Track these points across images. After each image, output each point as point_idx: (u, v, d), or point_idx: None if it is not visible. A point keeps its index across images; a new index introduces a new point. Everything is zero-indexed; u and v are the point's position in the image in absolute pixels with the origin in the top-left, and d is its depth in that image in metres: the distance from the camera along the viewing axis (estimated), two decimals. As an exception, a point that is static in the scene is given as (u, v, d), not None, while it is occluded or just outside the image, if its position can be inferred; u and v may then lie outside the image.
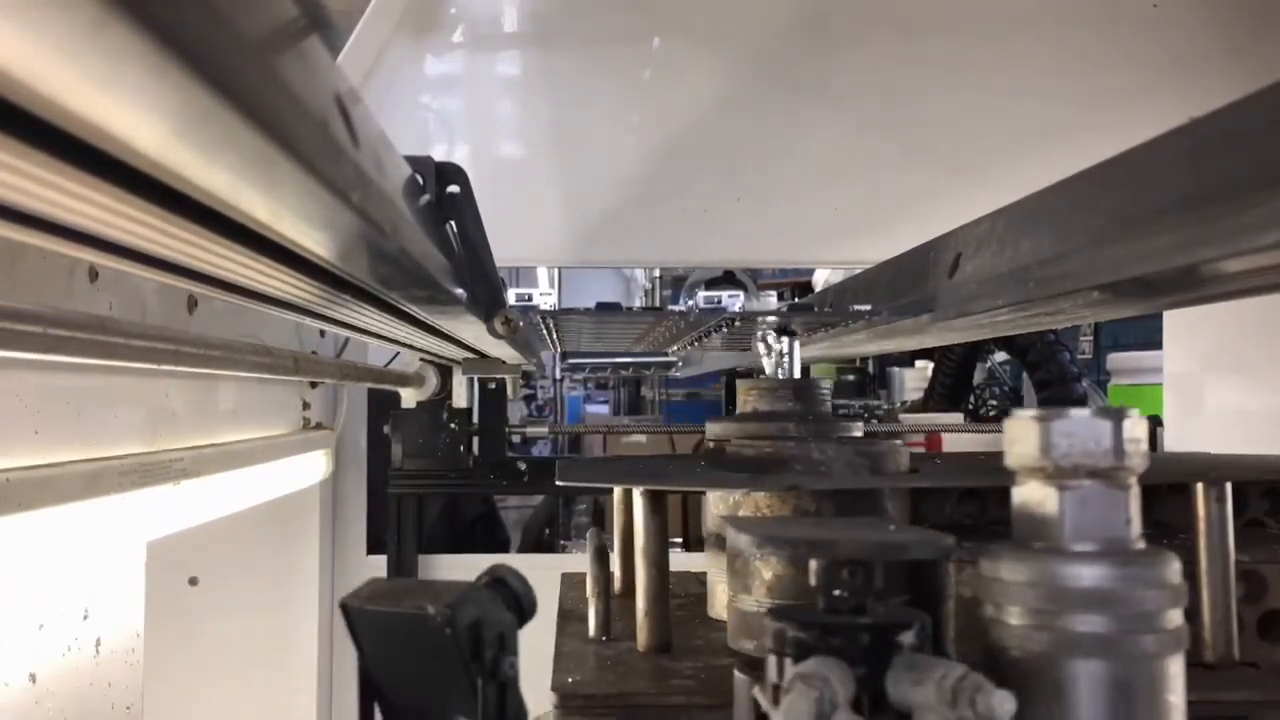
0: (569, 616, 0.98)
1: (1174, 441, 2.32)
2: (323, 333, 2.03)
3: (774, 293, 4.74)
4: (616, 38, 2.21)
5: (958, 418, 3.14)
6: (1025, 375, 3.36)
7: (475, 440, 2.32)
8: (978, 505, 0.90)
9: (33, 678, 0.95)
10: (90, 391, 1.06)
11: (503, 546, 3.45)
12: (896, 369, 4.26)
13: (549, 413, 6.53)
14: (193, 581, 2.02)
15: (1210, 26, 2.09)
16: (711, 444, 0.97)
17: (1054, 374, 3.11)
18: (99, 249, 0.45)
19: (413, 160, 0.87)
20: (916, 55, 2.17)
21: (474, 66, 2.24)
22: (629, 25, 2.21)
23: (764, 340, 1.10)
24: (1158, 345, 2.51)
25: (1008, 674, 0.56)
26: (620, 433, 3.65)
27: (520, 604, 0.74)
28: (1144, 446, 0.56)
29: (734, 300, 1.64)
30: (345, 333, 1.32)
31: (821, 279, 3.55)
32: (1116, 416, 0.56)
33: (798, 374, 1.09)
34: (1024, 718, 0.53)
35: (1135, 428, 0.56)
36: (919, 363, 4.03)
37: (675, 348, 2.03)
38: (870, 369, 4.22)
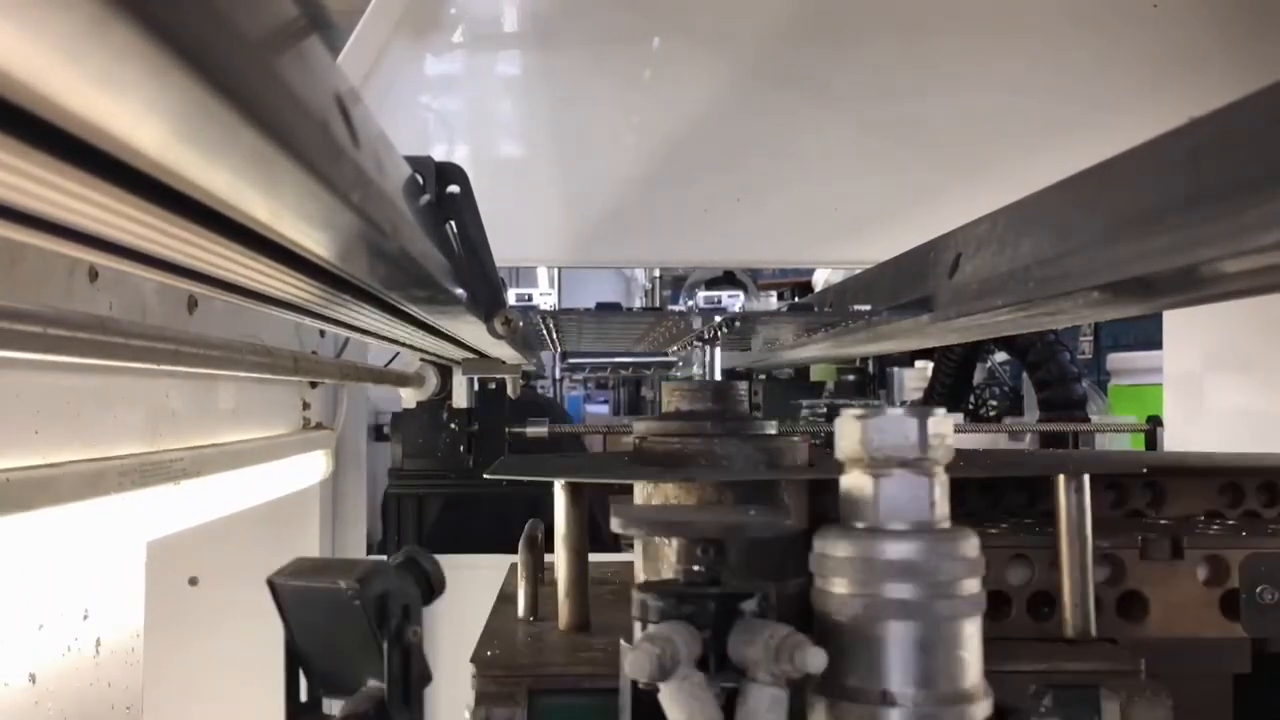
0: (506, 599, 1.04)
1: (1174, 441, 2.32)
2: (323, 333, 2.03)
3: (774, 293, 4.74)
4: (616, 38, 2.21)
5: (958, 418, 3.14)
6: (1025, 375, 3.36)
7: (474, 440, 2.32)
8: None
9: (33, 678, 0.95)
10: (90, 391, 1.06)
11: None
12: (896, 369, 4.25)
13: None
14: (193, 582, 2.02)
15: (1210, 26, 2.09)
16: (636, 441, 1.03)
17: (1054, 374, 3.11)
18: (99, 249, 0.45)
19: (413, 160, 0.87)
20: (917, 55, 2.17)
21: (474, 66, 2.25)
22: (629, 25, 2.21)
23: (692, 346, 1.16)
24: (1158, 345, 2.51)
25: (831, 635, 0.65)
26: (620, 433, 3.64)
27: (430, 581, 0.84)
28: (949, 441, 0.66)
29: (734, 300, 1.65)
30: (345, 333, 1.32)
31: (821, 279, 3.55)
32: (923, 416, 0.65)
33: (718, 376, 1.16)
34: (843, 671, 0.64)
35: (940, 425, 0.65)
36: (919, 363, 4.02)
37: (675, 348, 2.03)
38: (870, 369, 4.22)
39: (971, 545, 0.66)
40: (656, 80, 2.22)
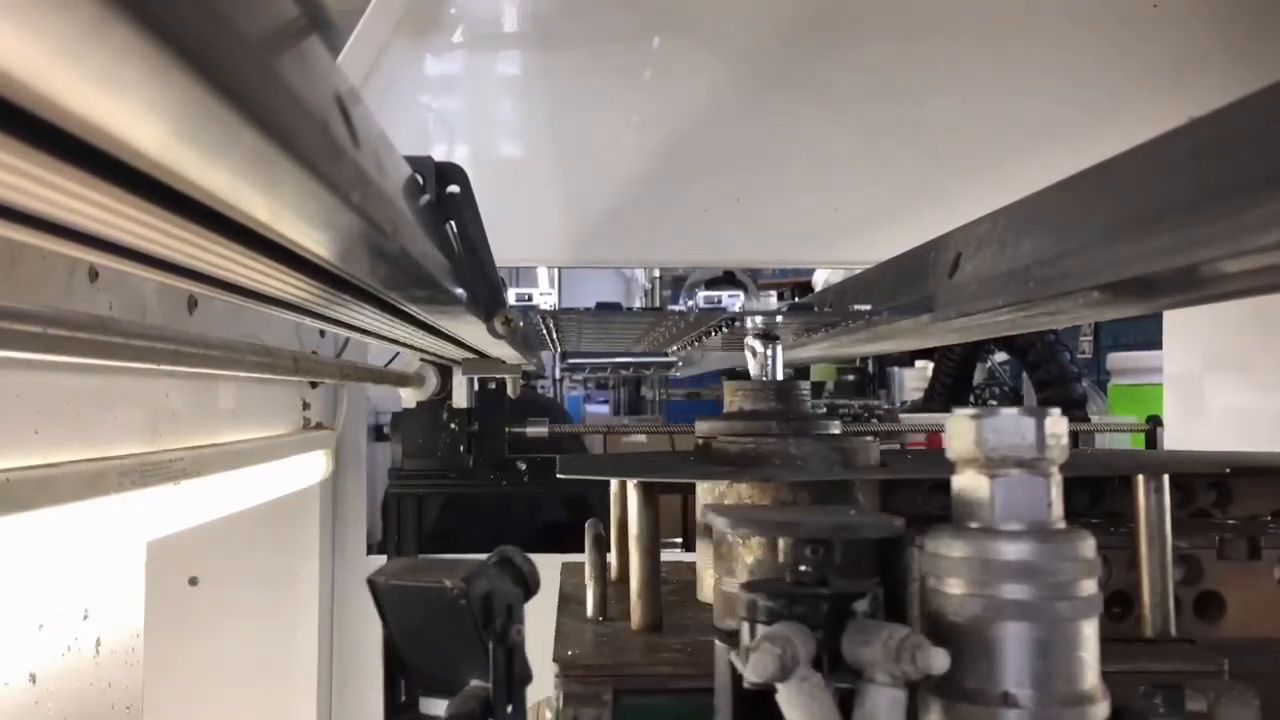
0: (569, 600, 1.05)
1: (1175, 441, 2.32)
2: (323, 333, 2.03)
3: (774, 293, 4.74)
4: (616, 38, 2.21)
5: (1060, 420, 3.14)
6: (1025, 375, 3.36)
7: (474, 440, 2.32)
8: (947, 496, 0.94)
9: (33, 678, 0.95)
10: (90, 391, 1.06)
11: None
12: (896, 369, 4.26)
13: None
14: (193, 582, 2.02)
15: (1210, 26, 2.09)
16: (700, 441, 1.04)
17: (1054, 374, 3.11)
18: (99, 249, 0.45)
19: (413, 160, 0.87)
20: (916, 55, 2.17)
21: (474, 66, 2.25)
22: (629, 25, 2.21)
23: (750, 345, 1.18)
24: (1158, 345, 2.51)
25: (946, 636, 0.65)
26: (620, 433, 3.65)
27: (525, 580, 0.84)
28: (1064, 441, 0.66)
29: (734, 300, 1.65)
30: (345, 333, 1.32)
31: (821, 279, 3.55)
32: (1039, 415, 0.65)
33: (780, 376, 1.16)
34: (961, 673, 0.63)
35: (1055, 425, 0.65)
36: (919, 363, 4.03)
37: (675, 348, 2.03)
38: (870, 369, 4.22)
39: (1089, 546, 0.66)
40: (656, 80, 2.22)
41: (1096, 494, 1.09)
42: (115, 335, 0.90)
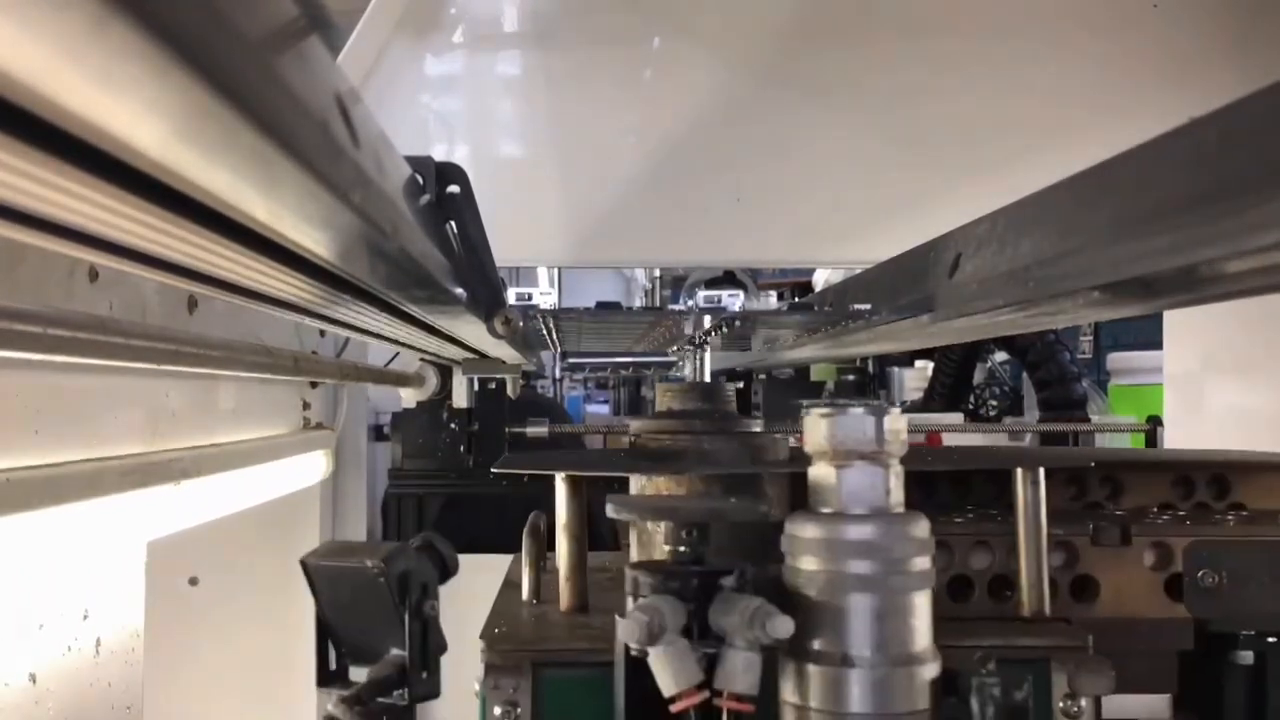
0: (510, 584, 1.13)
1: (1174, 441, 2.32)
2: (323, 333, 2.03)
3: (774, 293, 4.74)
4: (616, 38, 2.21)
5: (958, 418, 3.14)
6: (1025, 375, 3.36)
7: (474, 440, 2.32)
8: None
9: (33, 678, 0.95)
10: (90, 391, 1.06)
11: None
12: (896, 369, 4.25)
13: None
14: (193, 581, 2.02)
15: (1210, 27, 2.09)
16: (632, 438, 1.11)
17: (1054, 374, 3.11)
18: (99, 249, 0.45)
19: (413, 160, 0.87)
20: (917, 55, 2.17)
21: (474, 66, 2.24)
22: (629, 25, 2.21)
23: (683, 349, 1.29)
24: (1158, 345, 2.51)
25: (800, 607, 0.73)
26: (620, 433, 3.64)
27: (445, 562, 0.95)
28: (903, 436, 0.74)
29: (734, 300, 1.65)
30: (345, 333, 1.32)
31: (821, 279, 3.55)
32: (879, 414, 0.74)
33: (707, 378, 1.27)
34: (810, 638, 0.73)
35: (895, 422, 0.74)
36: (919, 363, 4.02)
37: (675, 347, 2.03)
38: (870, 369, 4.22)
39: (922, 527, 0.75)
40: (656, 80, 2.22)
41: (1001, 487, 1.15)
42: (115, 335, 0.90)
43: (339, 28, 2.15)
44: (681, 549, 0.78)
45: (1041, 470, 0.98)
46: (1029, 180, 0.85)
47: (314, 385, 2.02)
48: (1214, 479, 1.22)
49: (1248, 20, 2.09)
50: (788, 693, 0.75)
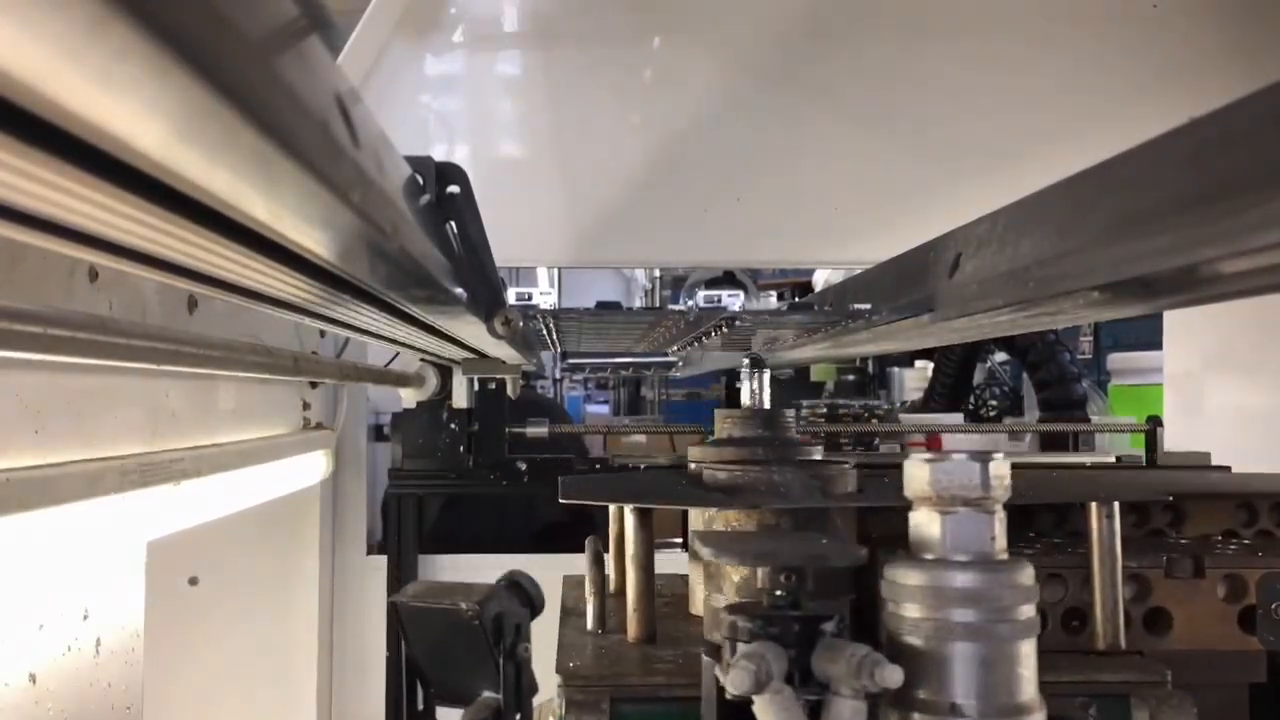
0: (570, 612, 1.11)
1: (1174, 441, 2.32)
2: (323, 333, 2.03)
3: (774, 293, 4.73)
4: (616, 38, 2.21)
5: (958, 418, 3.14)
6: (1025, 375, 3.35)
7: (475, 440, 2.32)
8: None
9: (33, 678, 0.95)
10: (90, 391, 1.06)
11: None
12: (896, 369, 4.26)
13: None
14: (193, 581, 2.02)
15: (1210, 26, 2.09)
16: (693, 466, 1.11)
17: (1054, 374, 3.11)
18: (99, 249, 0.45)
19: (413, 160, 0.87)
20: (916, 55, 2.17)
21: (474, 66, 2.24)
22: (629, 25, 2.21)
23: (742, 371, 1.27)
24: (1158, 345, 2.51)
25: (903, 654, 0.73)
26: (620, 433, 3.65)
27: (532, 601, 0.97)
28: (1007, 481, 0.74)
29: (734, 300, 1.65)
30: (345, 333, 1.32)
31: (821, 279, 3.55)
32: (984, 460, 0.73)
33: (767, 404, 1.25)
34: (914, 687, 0.72)
35: (999, 469, 0.74)
36: (919, 363, 4.02)
37: (675, 348, 2.03)
38: (870, 369, 4.22)
39: (1028, 575, 0.74)
40: (656, 80, 2.22)
41: (1061, 515, 1.16)
42: (115, 335, 0.90)
43: (339, 28, 2.15)
44: (779, 593, 0.78)
45: (1116, 505, 0.98)
46: (1029, 180, 0.85)
47: (314, 385, 2.02)
48: (1276, 506, 1.22)
49: (1248, 20, 2.09)
50: None
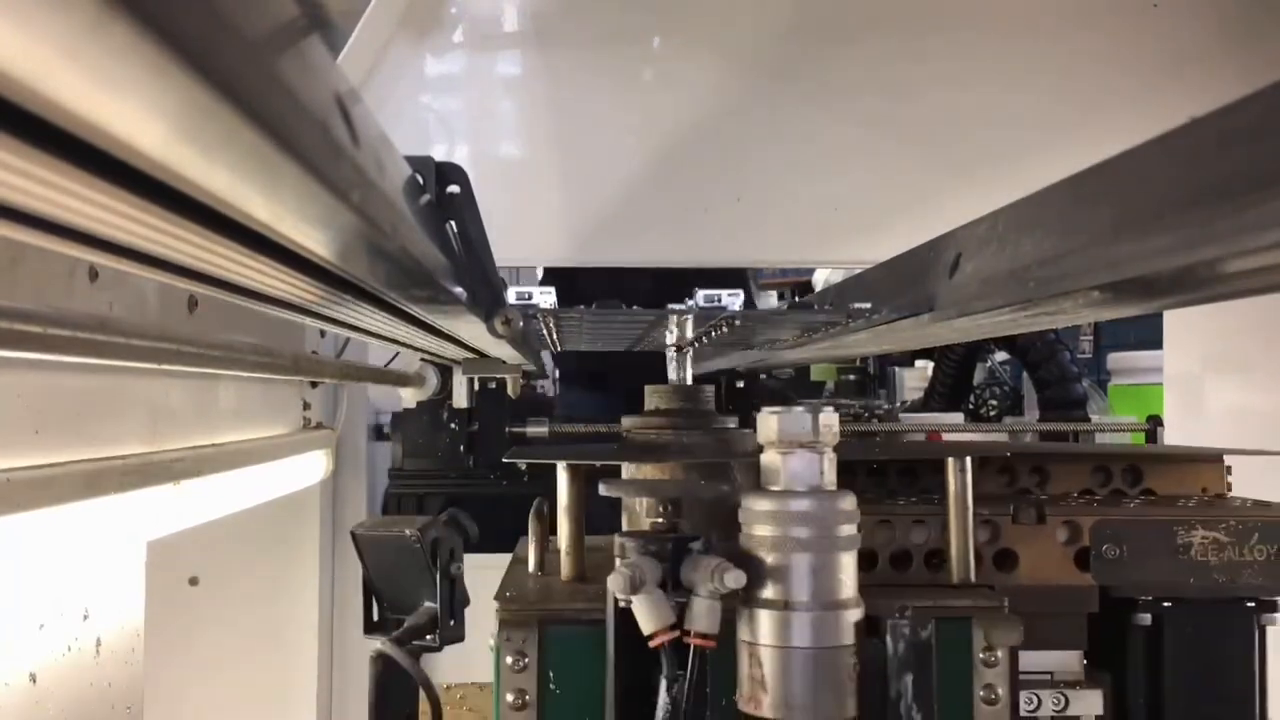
0: (518, 560, 1.30)
1: (1175, 440, 2.32)
2: (323, 333, 2.03)
3: (774, 293, 4.73)
4: (616, 38, 2.21)
5: (958, 417, 3.14)
6: (1025, 375, 3.35)
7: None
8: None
9: (33, 678, 0.95)
10: (90, 391, 1.06)
11: None
12: (896, 369, 4.25)
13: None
14: (193, 581, 2.02)
15: (1210, 26, 2.09)
16: (624, 432, 1.30)
17: (1054, 374, 3.11)
18: (99, 249, 0.45)
19: (413, 160, 0.87)
20: (916, 54, 2.17)
21: (474, 66, 2.24)
22: (629, 25, 2.21)
23: (669, 352, 1.47)
24: (1158, 345, 2.51)
25: (752, 564, 0.92)
26: (620, 432, 3.63)
27: (466, 532, 1.19)
28: (835, 429, 0.93)
29: (734, 300, 1.64)
30: (345, 333, 1.32)
31: (821, 279, 3.55)
32: (815, 411, 0.93)
33: (689, 380, 1.45)
34: (760, 588, 0.92)
35: (828, 419, 0.93)
36: (919, 363, 4.02)
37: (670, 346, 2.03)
38: (870, 369, 4.21)
39: (850, 501, 0.94)
40: (656, 80, 2.22)
41: (942, 475, 1.31)
42: (115, 335, 0.90)
43: (339, 28, 2.14)
44: (659, 520, 0.99)
45: (968, 460, 1.16)
46: (1029, 179, 0.85)
47: (314, 385, 2.02)
48: (1128, 469, 1.41)
49: (1248, 19, 2.09)
50: (743, 633, 0.94)
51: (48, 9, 0.23)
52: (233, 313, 1.30)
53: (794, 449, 0.93)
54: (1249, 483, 1.41)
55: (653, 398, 1.32)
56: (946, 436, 2.71)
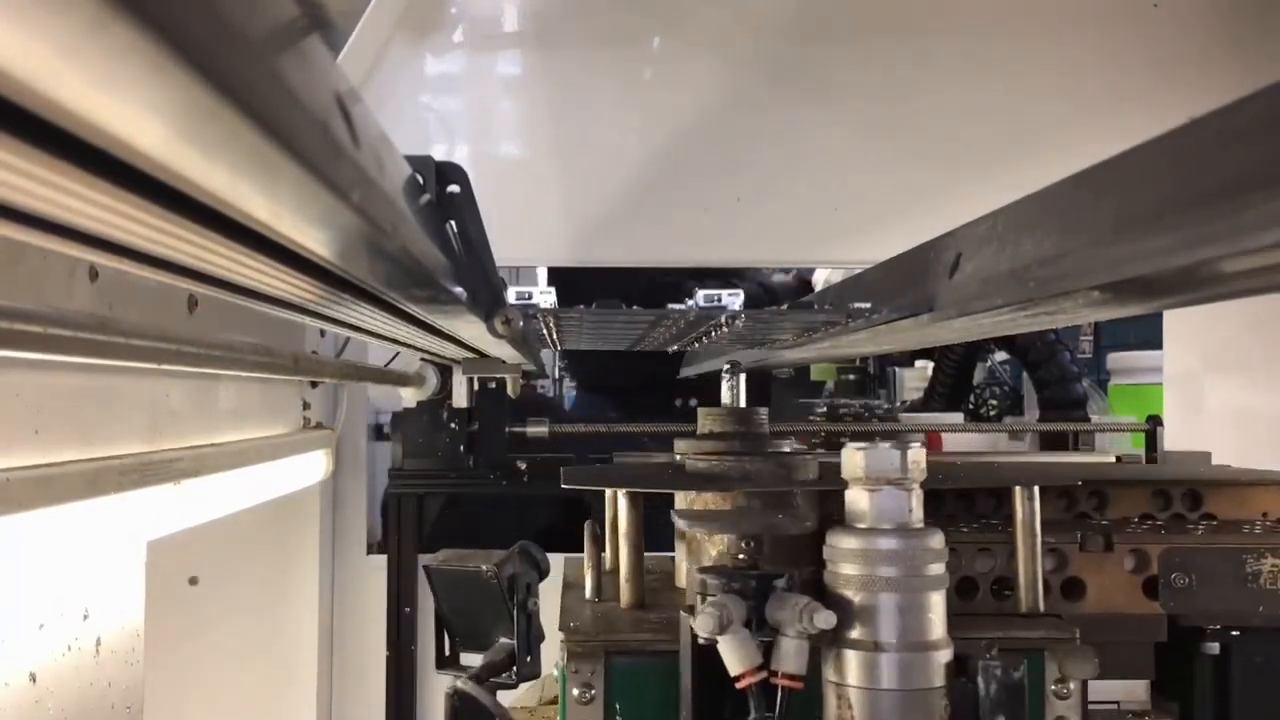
0: (571, 586, 1.26)
1: (1174, 440, 2.32)
2: (323, 333, 2.03)
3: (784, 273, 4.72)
4: (616, 38, 2.21)
5: (958, 417, 3.14)
6: (1025, 375, 3.35)
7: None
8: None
9: (33, 678, 0.95)
10: (90, 391, 1.06)
11: None
12: (896, 369, 4.25)
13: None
14: (193, 581, 2.02)
15: (1211, 25, 2.09)
16: (679, 457, 1.27)
17: (1054, 374, 3.10)
18: (99, 249, 0.45)
19: (413, 160, 0.87)
20: (916, 54, 2.17)
21: (474, 66, 2.25)
22: (629, 25, 2.21)
23: (723, 374, 1.46)
24: (1158, 345, 2.51)
25: (840, 604, 0.91)
26: (620, 432, 3.64)
27: (539, 565, 1.18)
28: (922, 465, 0.92)
29: (734, 299, 1.64)
30: (345, 332, 1.32)
31: (821, 279, 3.55)
32: (904, 448, 0.91)
33: (743, 403, 1.43)
34: (848, 629, 0.90)
35: (916, 455, 0.92)
36: (919, 363, 4.02)
37: (675, 347, 2.03)
38: (870, 369, 4.21)
39: (938, 540, 0.92)
40: (657, 80, 2.22)
41: (1000, 500, 1.30)
42: (115, 335, 0.90)
43: (339, 28, 2.15)
44: (741, 556, 0.98)
45: (1036, 489, 1.13)
46: (1029, 180, 0.85)
47: (314, 385, 2.02)
48: (1188, 493, 1.37)
49: (1248, 19, 2.09)
50: (830, 674, 0.92)
51: (48, 9, 0.23)
52: (232, 313, 1.30)
53: (881, 485, 0.91)
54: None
55: (706, 421, 1.29)
56: (946, 437, 2.72)
